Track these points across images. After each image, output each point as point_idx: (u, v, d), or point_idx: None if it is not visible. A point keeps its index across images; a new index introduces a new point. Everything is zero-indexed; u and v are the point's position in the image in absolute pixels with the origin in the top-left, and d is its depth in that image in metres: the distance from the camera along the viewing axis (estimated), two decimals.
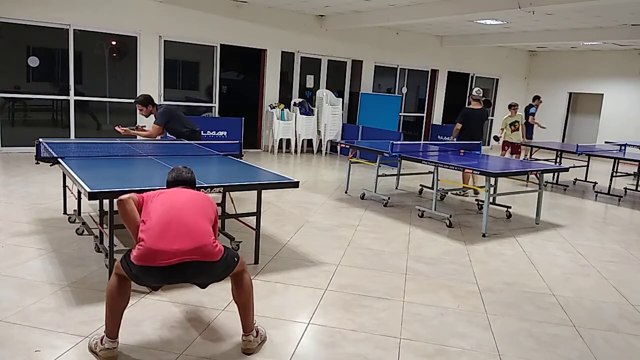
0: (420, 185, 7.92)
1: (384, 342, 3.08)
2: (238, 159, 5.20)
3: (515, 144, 9.96)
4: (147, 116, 6.08)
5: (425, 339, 3.15)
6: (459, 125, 7.75)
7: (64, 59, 9.20)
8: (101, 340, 2.71)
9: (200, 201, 2.86)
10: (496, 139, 10.46)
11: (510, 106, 10.15)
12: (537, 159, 9.66)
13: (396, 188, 8.02)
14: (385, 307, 3.59)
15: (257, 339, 2.90)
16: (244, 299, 2.84)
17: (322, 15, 11.63)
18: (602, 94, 14.84)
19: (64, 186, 5.36)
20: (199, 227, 2.68)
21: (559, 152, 9.63)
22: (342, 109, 12.23)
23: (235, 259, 2.82)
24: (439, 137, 13.63)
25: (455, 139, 7.87)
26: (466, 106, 8.55)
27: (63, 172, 4.87)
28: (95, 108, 9.92)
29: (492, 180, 6.13)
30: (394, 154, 6.49)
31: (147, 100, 5.91)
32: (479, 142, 7.53)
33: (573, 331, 3.41)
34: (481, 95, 7.84)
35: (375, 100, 12.27)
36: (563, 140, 15.75)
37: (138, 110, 6.01)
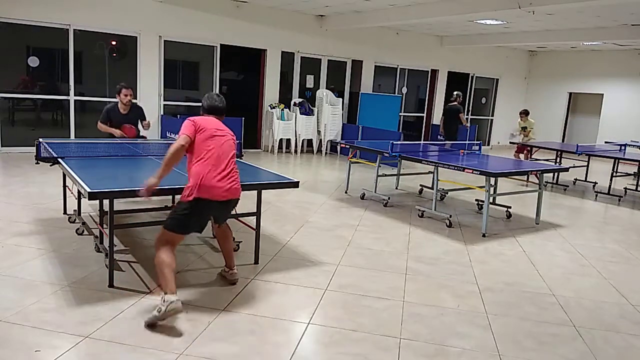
0: (420, 185, 7.92)
1: (384, 342, 3.08)
2: (238, 159, 5.19)
3: (517, 144, 10.04)
4: (127, 104, 6.00)
5: (425, 339, 3.15)
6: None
7: (64, 59, 9.20)
8: (163, 300, 3.01)
9: (233, 144, 3.56)
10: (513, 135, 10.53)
11: (520, 113, 10.46)
12: (537, 159, 9.66)
13: (396, 188, 8.02)
14: (385, 307, 3.59)
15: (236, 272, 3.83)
16: (230, 242, 3.84)
17: (322, 15, 11.63)
18: (602, 94, 14.84)
19: (64, 186, 5.36)
20: (237, 172, 3.53)
21: (559, 152, 9.63)
22: (342, 109, 12.23)
23: None
24: (439, 137, 13.61)
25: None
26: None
27: (63, 172, 4.86)
28: (95, 108, 9.91)
29: (492, 180, 6.13)
30: (394, 154, 6.49)
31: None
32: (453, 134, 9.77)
33: (573, 331, 3.41)
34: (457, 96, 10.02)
35: (375, 100, 12.26)
36: (563, 140, 15.75)
37: (125, 96, 5.93)
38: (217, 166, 3.35)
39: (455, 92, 10.11)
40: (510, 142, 10.33)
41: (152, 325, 3.02)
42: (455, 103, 9.98)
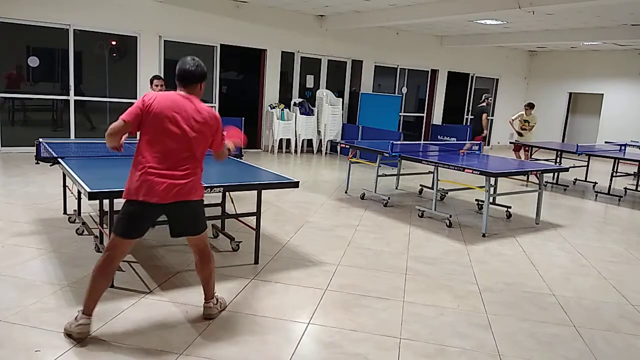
0: (420, 185, 7.92)
1: (384, 342, 3.08)
2: (238, 159, 5.20)
3: (517, 143, 10.02)
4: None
5: (425, 339, 3.15)
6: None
7: (64, 59, 9.20)
8: (76, 317, 2.87)
9: (202, 138, 2.93)
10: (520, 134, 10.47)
11: (525, 106, 10.38)
12: (537, 159, 9.66)
13: (396, 188, 8.02)
14: (385, 307, 3.59)
15: (217, 306, 3.26)
16: (206, 267, 3.19)
17: (322, 15, 11.63)
18: (602, 94, 14.84)
19: (64, 186, 5.36)
20: (195, 171, 2.97)
21: (559, 152, 9.63)
22: (342, 109, 12.24)
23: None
24: (439, 137, 13.63)
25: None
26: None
27: (63, 172, 4.86)
28: (95, 108, 9.92)
29: (492, 180, 6.13)
30: (394, 154, 6.49)
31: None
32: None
33: (573, 331, 3.41)
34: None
35: (375, 100, 12.26)
36: (563, 140, 15.75)
37: (159, 85, 5.99)
38: (162, 160, 2.82)
39: (484, 94, 10.71)
40: (511, 142, 10.32)
41: (66, 332, 2.86)
42: (483, 104, 10.44)
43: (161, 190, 2.80)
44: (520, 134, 10.28)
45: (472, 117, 10.83)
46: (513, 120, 10.36)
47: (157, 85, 6.10)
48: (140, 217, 2.87)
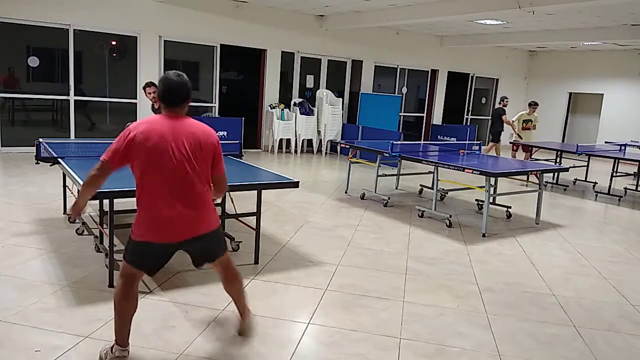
0: (420, 185, 7.92)
1: (384, 342, 3.08)
2: (238, 159, 5.20)
3: (517, 143, 10.01)
4: (155, 101, 6.09)
5: (425, 339, 3.15)
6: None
7: (64, 59, 9.20)
8: (111, 349, 2.66)
9: (199, 168, 2.60)
10: (520, 137, 10.47)
11: (529, 104, 10.33)
12: (537, 159, 9.66)
13: (396, 188, 8.02)
14: (385, 307, 3.59)
15: (252, 322, 3.09)
16: (235, 284, 2.97)
17: (322, 15, 11.63)
18: (602, 94, 14.84)
19: (64, 186, 5.36)
20: (204, 200, 2.70)
21: (559, 152, 9.63)
22: (342, 109, 12.24)
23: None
24: (439, 137, 13.63)
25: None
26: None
27: (63, 172, 4.86)
28: (95, 108, 9.92)
29: (492, 180, 6.13)
30: (394, 154, 6.49)
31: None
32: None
33: (573, 331, 3.41)
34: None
35: (375, 100, 12.26)
36: (563, 140, 15.74)
37: (151, 92, 6.06)
38: (166, 195, 2.54)
39: (501, 96, 10.85)
40: (510, 142, 10.31)
41: None
42: (500, 106, 10.51)
43: (172, 229, 2.54)
44: (520, 137, 10.23)
45: (491, 119, 10.85)
46: (513, 121, 10.33)
47: (150, 93, 6.12)
48: (154, 256, 2.62)
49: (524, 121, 10.25)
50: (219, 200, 4.89)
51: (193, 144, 2.56)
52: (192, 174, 2.55)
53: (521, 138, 10.20)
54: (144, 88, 6.20)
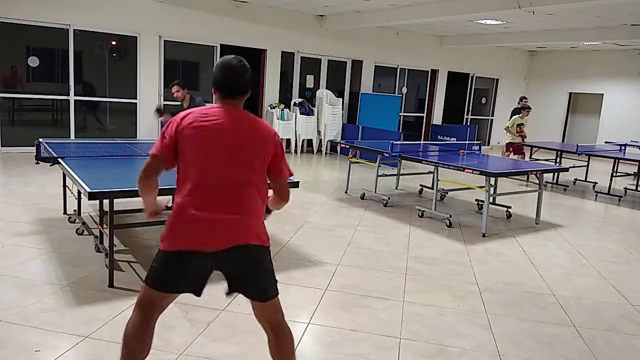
0: (420, 185, 7.92)
1: (384, 342, 3.08)
2: None
3: (516, 144, 9.99)
4: (182, 99, 6.37)
5: (425, 339, 3.15)
6: None
7: (64, 59, 9.20)
8: None
9: (258, 159, 2.20)
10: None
11: (523, 107, 10.31)
12: (537, 159, 9.66)
13: (396, 188, 8.02)
14: (385, 307, 3.59)
15: None
16: (285, 347, 2.32)
17: (322, 15, 11.63)
18: (602, 94, 14.84)
19: (64, 186, 5.36)
20: (251, 205, 2.19)
21: (559, 152, 9.63)
22: (342, 109, 12.24)
23: None
24: (439, 137, 13.63)
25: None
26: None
27: (63, 172, 4.86)
28: (95, 108, 9.92)
29: (492, 180, 6.12)
30: (394, 154, 6.49)
31: (183, 84, 6.44)
32: None
33: (573, 331, 3.41)
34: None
35: (375, 100, 12.26)
36: (563, 140, 15.74)
37: (175, 92, 6.29)
38: (205, 193, 2.11)
39: (521, 95, 11.22)
40: (508, 143, 10.27)
41: None
42: (519, 106, 10.64)
43: (210, 233, 2.07)
44: (523, 137, 10.22)
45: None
46: (509, 127, 10.28)
47: (173, 92, 6.37)
48: (182, 271, 2.11)
49: (518, 125, 10.21)
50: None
51: (251, 139, 2.16)
52: (244, 174, 2.14)
53: (523, 139, 10.19)
54: (170, 87, 6.41)
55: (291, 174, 2.42)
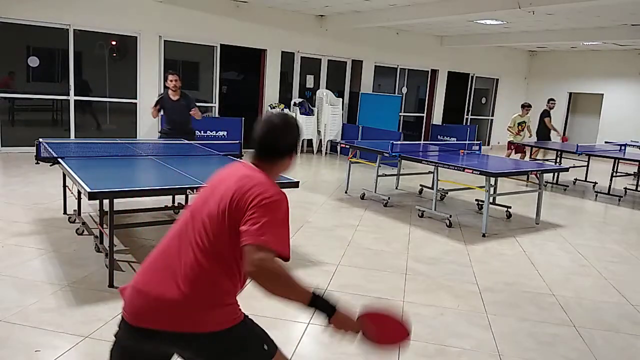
0: (420, 185, 7.92)
1: None
2: (238, 159, 5.20)
3: (517, 144, 9.99)
4: (175, 90, 6.27)
5: (425, 339, 3.15)
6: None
7: (64, 59, 9.20)
8: None
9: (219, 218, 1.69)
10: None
11: (523, 106, 10.27)
12: (537, 159, 9.66)
13: (396, 188, 8.02)
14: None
15: None
16: None
17: (322, 15, 11.62)
18: (602, 94, 14.84)
19: (64, 186, 5.36)
20: (199, 276, 1.67)
21: (559, 152, 9.63)
22: (342, 109, 12.24)
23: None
24: (439, 137, 13.63)
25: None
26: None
27: (63, 172, 4.86)
28: (95, 108, 9.91)
29: (492, 180, 6.12)
30: (394, 154, 6.49)
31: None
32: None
33: (573, 331, 3.41)
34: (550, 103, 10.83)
35: (375, 100, 12.26)
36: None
37: (174, 80, 6.18)
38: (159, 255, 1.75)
39: (549, 97, 11.18)
40: (510, 142, 10.28)
41: None
42: (546, 108, 10.71)
43: (136, 302, 1.70)
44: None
45: (539, 121, 11.11)
46: (511, 127, 10.28)
47: (171, 81, 6.24)
48: (120, 346, 1.86)
49: (519, 124, 10.20)
50: None
51: (225, 194, 1.71)
52: (198, 237, 1.68)
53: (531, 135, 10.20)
54: (166, 77, 6.35)
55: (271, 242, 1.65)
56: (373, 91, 12.97)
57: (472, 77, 15.36)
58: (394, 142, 6.63)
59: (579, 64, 15.25)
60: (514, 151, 10.01)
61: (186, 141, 6.04)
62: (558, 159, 9.71)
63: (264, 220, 1.65)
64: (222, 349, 1.69)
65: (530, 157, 10.27)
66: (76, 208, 5.17)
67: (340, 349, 2.96)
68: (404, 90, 13.97)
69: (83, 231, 4.72)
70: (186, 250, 1.68)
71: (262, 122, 1.85)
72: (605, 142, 11.61)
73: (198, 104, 6.76)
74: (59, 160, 4.41)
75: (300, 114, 11.45)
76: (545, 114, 10.57)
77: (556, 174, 9.45)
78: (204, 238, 1.67)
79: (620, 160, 8.71)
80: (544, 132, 10.75)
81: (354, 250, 4.83)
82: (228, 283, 1.70)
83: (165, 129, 6.47)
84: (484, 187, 5.67)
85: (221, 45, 10.71)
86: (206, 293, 1.66)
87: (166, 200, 5.61)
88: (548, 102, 10.76)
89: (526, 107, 10.20)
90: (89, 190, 3.30)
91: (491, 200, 6.48)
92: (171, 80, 6.18)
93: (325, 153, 11.85)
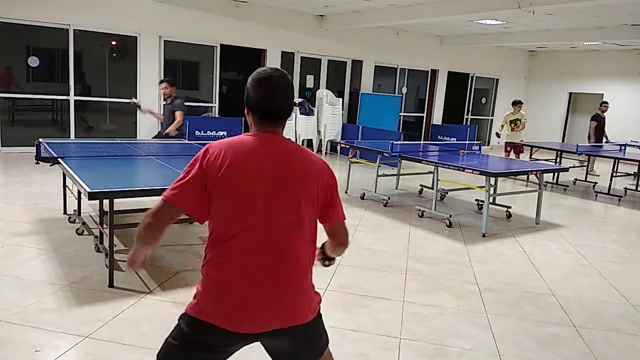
0: (420, 185, 7.92)
1: (384, 342, 3.08)
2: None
3: (516, 144, 9.98)
4: (168, 96, 6.68)
5: (425, 339, 3.15)
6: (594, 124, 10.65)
7: (64, 59, 9.20)
8: None
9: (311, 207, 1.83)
10: (498, 135, 10.49)
11: (513, 103, 10.19)
12: (537, 159, 9.66)
13: (396, 188, 8.01)
14: (385, 307, 3.59)
15: None
16: None
17: (322, 15, 11.63)
18: (602, 94, 14.83)
19: (64, 186, 5.36)
20: (304, 273, 1.86)
21: (559, 152, 9.63)
22: (342, 109, 12.24)
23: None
24: (439, 137, 13.62)
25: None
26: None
27: (63, 172, 4.86)
28: (95, 108, 9.92)
29: (492, 180, 6.12)
30: (394, 154, 6.49)
31: (173, 82, 6.78)
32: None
33: (573, 331, 3.41)
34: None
35: (375, 100, 12.26)
36: (563, 140, 15.74)
37: (162, 89, 6.69)
38: (250, 262, 1.65)
39: (602, 100, 11.30)
40: (507, 143, 10.23)
41: None
42: (598, 112, 10.96)
43: (247, 311, 1.68)
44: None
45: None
46: (503, 125, 10.26)
47: (163, 89, 6.65)
48: (204, 349, 1.69)
49: (511, 122, 10.14)
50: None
51: (301, 178, 1.71)
52: (295, 226, 1.74)
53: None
54: (160, 84, 6.83)
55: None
56: (373, 91, 12.97)
57: (472, 77, 15.36)
58: (394, 142, 6.63)
59: (579, 64, 15.25)
60: (512, 151, 10.00)
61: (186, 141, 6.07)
62: (558, 159, 9.71)
63: (339, 199, 1.98)
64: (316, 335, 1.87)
65: (530, 157, 10.26)
66: (76, 208, 5.17)
67: (341, 349, 2.96)
68: (404, 90, 13.97)
69: (83, 231, 4.72)
70: (283, 245, 1.72)
71: (266, 85, 1.76)
72: (606, 142, 11.61)
73: (198, 104, 6.89)
74: (59, 160, 4.41)
75: (300, 114, 11.45)
76: (595, 117, 10.54)
77: (556, 174, 9.45)
78: (302, 228, 1.80)
79: (620, 160, 8.71)
80: (597, 135, 10.69)
81: (353, 250, 4.82)
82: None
83: (159, 132, 7.02)
84: (484, 187, 5.67)
85: (221, 45, 10.72)
86: (311, 279, 1.87)
87: None
88: (600, 105, 10.77)
89: (517, 104, 10.11)
90: (89, 190, 3.30)
91: (491, 200, 6.48)
92: (161, 89, 6.72)
93: (325, 153, 11.85)
